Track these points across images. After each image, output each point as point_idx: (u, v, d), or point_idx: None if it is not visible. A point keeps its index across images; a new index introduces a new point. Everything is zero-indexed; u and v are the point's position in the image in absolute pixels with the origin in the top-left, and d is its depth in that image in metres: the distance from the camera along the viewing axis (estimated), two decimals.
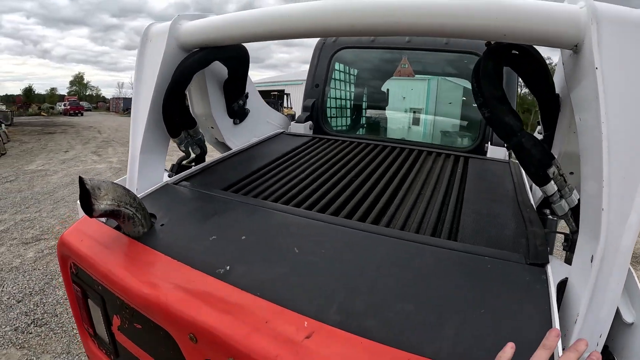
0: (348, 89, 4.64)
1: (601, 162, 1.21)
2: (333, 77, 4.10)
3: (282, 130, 3.59)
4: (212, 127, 2.90)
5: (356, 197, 2.14)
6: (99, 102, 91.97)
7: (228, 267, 1.46)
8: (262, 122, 3.42)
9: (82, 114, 56.04)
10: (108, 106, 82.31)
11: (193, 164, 2.69)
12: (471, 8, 1.45)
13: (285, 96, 36.00)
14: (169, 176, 2.42)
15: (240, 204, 1.99)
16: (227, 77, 2.73)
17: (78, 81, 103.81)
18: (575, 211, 1.67)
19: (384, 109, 5.19)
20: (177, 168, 2.63)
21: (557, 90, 1.84)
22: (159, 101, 2.20)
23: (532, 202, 2.02)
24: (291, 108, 34.62)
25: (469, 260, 1.46)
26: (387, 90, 5.03)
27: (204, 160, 2.70)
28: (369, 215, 1.93)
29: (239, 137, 3.10)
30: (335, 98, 4.36)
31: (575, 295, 1.29)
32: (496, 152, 2.90)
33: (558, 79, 1.82)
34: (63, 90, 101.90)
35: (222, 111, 2.88)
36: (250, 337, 1.16)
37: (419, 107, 5.31)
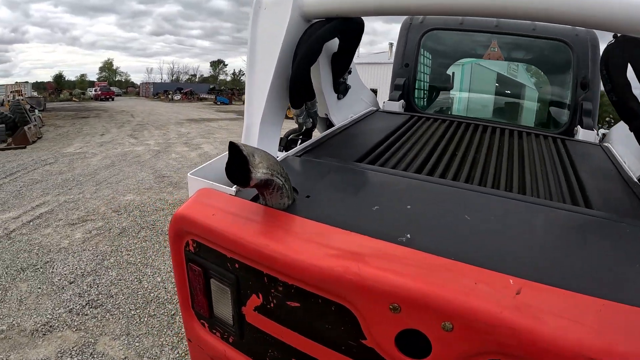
0: (426, 71, 4.61)
1: None
2: (421, 60, 4.15)
3: (375, 108, 3.57)
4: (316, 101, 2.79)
5: (490, 170, 2.19)
6: (128, 87, 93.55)
7: (408, 234, 1.42)
8: (358, 99, 3.38)
9: (112, 99, 57.08)
10: (138, 91, 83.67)
11: (300, 138, 2.62)
12: (621, 3, 1.52)
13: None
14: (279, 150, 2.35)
15: (382, 175, 1.95)
16: (335, 50, 2.65)
17: (107, 67, 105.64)
18: None
19: (471, 90, 5.24)
20: (285, 142, 2.56)
21: None
22: (284, 71, 2.09)
23: (636, 180, 2.24)
24: None
25: (611, 225, 1.62)
26: (453, 73, 5.01)
27: (311, 135, 2.62)
28: (511, 186, 2.01)
29: (341, 113, 3.02)
30: (420, 80, 4.39)
31: None
32: (587, 135, 3.10)
33: None
34: (93, 77, 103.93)
35: (330, 85, 2.80)
36: (469, 298, 1.15)
37: (507, 91, 5.26)
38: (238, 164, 1.35)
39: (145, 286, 5.24)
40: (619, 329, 1.06)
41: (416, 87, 4.14)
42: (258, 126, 1.98)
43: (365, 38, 2.47)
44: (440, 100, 5.01)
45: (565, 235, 1.57)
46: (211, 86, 69.24)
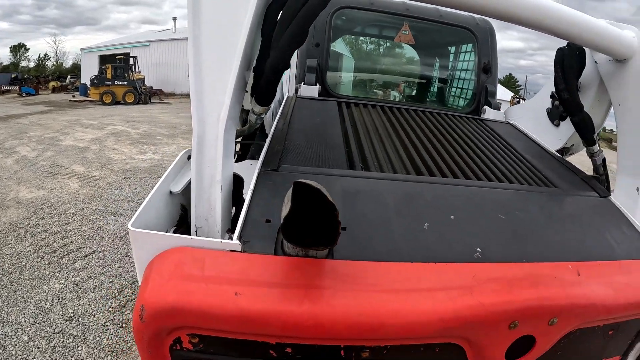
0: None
1: None
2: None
3: (293, 95, 3.22)
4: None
5: (459, 159, 2.23)
6: None
7: (478, 248, 1.43)
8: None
9: None
10: None
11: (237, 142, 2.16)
12: (583, 24, 1.85)
13: (132, 59, 32.37)
14: None
15: (396, 183, 1.79)
16: None
17: None
18: (604, 162, 2.48)
19: (377, 72, 5.03)
20: None
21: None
22: (248, 55, 1.49)
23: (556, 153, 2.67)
24: (139, 72, 31.71)
25: (561, 197, 2.04)
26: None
27: (255, 137, 2.18)
28: (491, 174, 2.13)
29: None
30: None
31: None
32: (496, 114, 3.36)
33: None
34: None
35: None
36: (567, 292, 1.30)
37: (409, 71, 5.15)
38: (313, 215, 0.93)
39: (14, 352, 4.00)
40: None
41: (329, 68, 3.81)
42: (222, 136, 1.35)
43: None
44: (343, 81, 4.79)
45: (528, 214, 1.77)
46: (13, 75, 58.61)
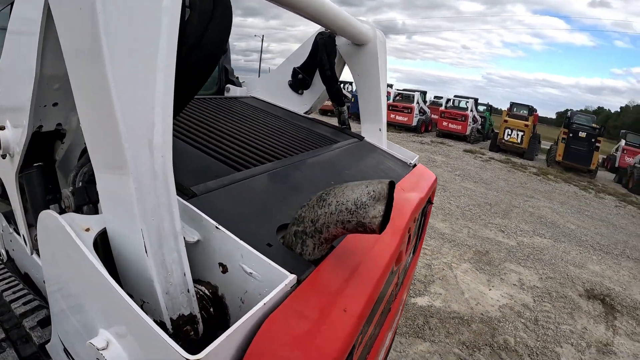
0: None
1: (379, 100, 2.89)
2: None
3: None
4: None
5: (272, 140, 2.30)
6: None
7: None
8: None
9: None
10: None
11: None
12: (342, 17, 2.28)
13: None
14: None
15: (276, 172, 1.82)
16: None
17: None
18: (347, 117, 3.22)
19: None
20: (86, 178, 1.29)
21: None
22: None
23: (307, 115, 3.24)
24: None
25: (347, 147, 2.60)
26: None
27: None
28: (305, 147, 2.33)
29: None
30: None
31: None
32: (241, 91, 3.58)
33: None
34: None
35: None
36: (413, 200, 1.97)
37: None
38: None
39: None
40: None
41: None
42: (162, 168, 0.90)
43: None
44: None
45: (363, 157, 2.33)
46: None
